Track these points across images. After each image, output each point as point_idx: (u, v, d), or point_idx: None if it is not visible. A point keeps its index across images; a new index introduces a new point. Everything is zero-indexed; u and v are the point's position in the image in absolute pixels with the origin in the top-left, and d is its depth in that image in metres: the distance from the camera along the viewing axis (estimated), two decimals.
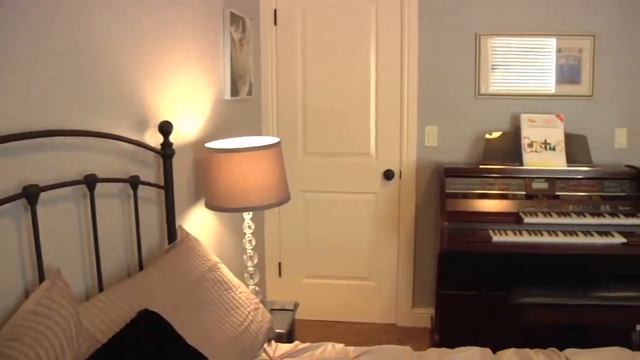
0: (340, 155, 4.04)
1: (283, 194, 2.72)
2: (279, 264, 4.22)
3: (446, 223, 3.28)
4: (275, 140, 2.75)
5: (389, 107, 3.96)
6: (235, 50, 3.25)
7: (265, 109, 4.01)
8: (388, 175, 3.99)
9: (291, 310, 3.04)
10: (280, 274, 4.22)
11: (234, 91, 3.26)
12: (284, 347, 2.41)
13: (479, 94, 3.92)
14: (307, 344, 2.42)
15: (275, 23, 3.94)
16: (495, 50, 3.88)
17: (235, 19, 3.23)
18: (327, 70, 3.96)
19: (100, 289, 1.93)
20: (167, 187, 2.40)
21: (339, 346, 2.42)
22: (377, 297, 4.20)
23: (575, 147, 3.75)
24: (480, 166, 3.71)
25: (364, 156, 4.03)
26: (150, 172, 2.35)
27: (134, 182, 2.14)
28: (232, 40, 3.20)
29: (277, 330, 2.68)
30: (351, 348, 2.42)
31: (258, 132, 3.94)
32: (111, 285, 1.92)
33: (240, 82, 3.37)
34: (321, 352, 2.36)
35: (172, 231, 2.44)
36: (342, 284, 4.20)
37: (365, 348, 2.40)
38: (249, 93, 3.59)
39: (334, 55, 3.94)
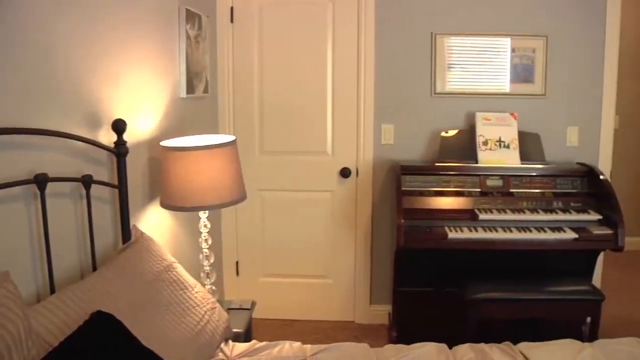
0: (297, 154, 4.04)
1: (239, 193, 2.70)
2: (237, 263, 4.19)
3: (402, 220, 3.31)
4: (231, 138, 2.73)
5: (345, 105, 3.98)
6: (191, 47, 3.21)
7: (221, 107, 3.98)
8: (345, 173, 4.01)
9: (248, 309, 3.02)
10: (237, 273, 4.20)
11: (190, 89, 3.23)
12: (241, 347, 2.39)
13: (435, 93, 3.96)
14: (264, 343, 2.42)
15: (232, 20, 3.91)
16: (451, 50, 3.93)
17: (191, 16, 3.20)
18: (284, 68, 3.95)
19: (52, 291, 1.89)
20: (121, 186, 2.36)
21: (296, 344, 2.42)
22: (334, 294, 4.21)
23: (529, 145, 3.83)
24: (436, 164, 3.76)
25: (321, 154, 4.04)
26: (104, 171, 2.32)
27: (87, 182, 2.10)
28: (188, 37, 3.16)
29: (235, 330, 2.66)
30: (308, 346, 2.42)
31: (214, 130, 3.91)
32: (63, 287, 1.88)
33: (196, 79, 3.33)
34: (278, 351, 2.35)
35: (126, 231, 2.41)
36: (299, 282, 4.20)
37: (322, 346, 2.41)
38: (205, 91, 3.56)
39: (291, 53, 3.94)
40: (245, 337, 2.80)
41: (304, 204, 4.09)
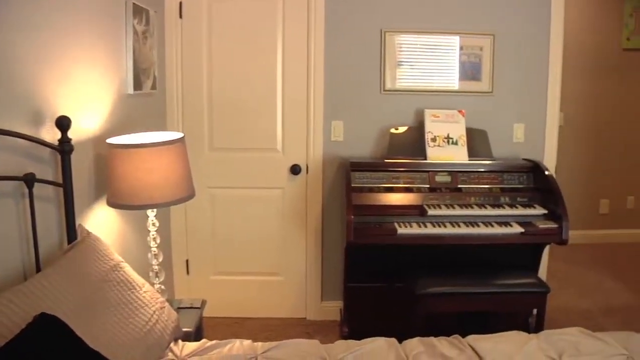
0: (247, 151, 4.01)
1: (187, 190, 2.67)
2: (187, 261, 4.14)
3: (352, 216, 3.32)
4: (179, 135, 2.70)
5: (295, 102, 3.97)
6: (138, 42, 3.16)
7: (170, 104, 3.92)
8: (295, 170, 4.00)
9: (199, 308, 2.99)
10: (188, 272, 4.15)
11: (137, 85, 3.17)
12: (191, 346, 2.37)
13: (385, 90, 3.99)
14: (214, 342, 2.40)
15: (180, 16, 3.85)
16: (401, 47, 3.96)
17: (138, 11, 3.14)
18: (233, 65, 3.92)
19: None
20: (66, 184, 2.31)
21: (247, 342, 2.41)
22: (286, 292, 4.21)
23: (477, 141, 3.89)
24: (386, 160, 3.79)
25: (271, 151, 4.02)
26: (48, 170, 2.26)
27: (29, 180, 2.04)
28: (135, 32, 3.11)
29: (184, 329, 2.63)
30: (259, 344, 2.41)
31: (163, 127, 3.85)
32: (5, 289, 1.82)
33: (143, 75, 3.28)
34: (229, 350, 2.34)
35: (71, 231, 2.35)
36: (250, 280, 4.18)
37: (273, 343, 2.40)
38: (153, 87, 3.50)
39: (240, 50, 3.91)
40: (196, 336, 2.77)
41: (254, 201, 4.07)
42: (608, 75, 5.99)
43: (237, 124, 3.98)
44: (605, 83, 6.00)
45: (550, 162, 4.10)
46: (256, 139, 4.00)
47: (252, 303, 4.19)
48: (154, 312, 2.26)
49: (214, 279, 4.17)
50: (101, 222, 2.75)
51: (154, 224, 2.80)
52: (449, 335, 2.53)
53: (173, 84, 3.90)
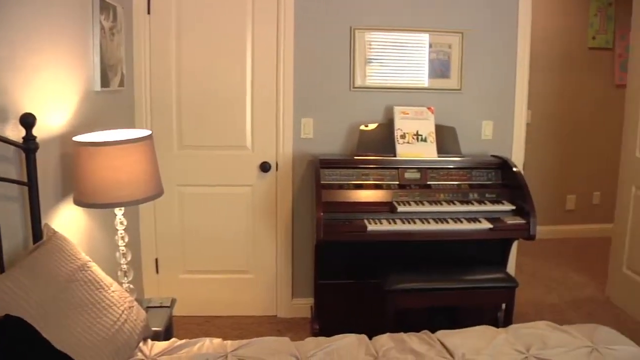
0: (216, 148, 3.99)
1: (156, 188, 2.65)
2: (156, 260, 4.11)
3: (322, 214, 3.32)
4: (147, 132, 2.67)
5: (264, 99, 3.96)
6: (105, 39, 3.12)
7: (138, 101, 3.88)
8: (264, 167, 3.99)
9: (168, 307, 2.97)
10: (157, 271, 4.12)
11: (105, 82, 3.13)
12: (161, 345, 2.35)
13: (354, 87, 4.00)
14: (184, 341, 2.38)
15: (148, 12, 3.81)
16: (371, 44, 3.97)
17: (105, 7, 3.10)
18: (202, 62, 3.89)
19: None
20: (31, 183, 2.27)
21: (217, 341, 2.40)
22: (256, 289, 4.20)
23: (446, 138, 3.92)
24: (355, 157, 3.80)
25: (240, 149, 4.00)
26: (12, 168, 2.21)
27: None
28: (102, 28, 3.06)
29: (154, 329, 2.61)
30: (229, 342, 2.40)
31: (131, 125, 3.80)
32: None
33: (111, 72, 3.24)
34: (198, 348, 2.33)
35: (37, 230, 2.31)
36: (221, 278, 4.16)
37: (243, 341, 2.39)
38: (121, 84, 3.46)
39: (209, 47, 3.88)
40: (166, 335, 2.75)
41: (223, 198, 4.05)
42: (574, 73, 6.09)
43: (207, 122, 3.95)
44: (571, 81, 6.10)
45: (518, 159, 4.16)
46: (225, 136, 3.98)
47: (223, 301, 4.17)
48: (123, 311, 2.23)
49: (183, 277, 4.14)
50: (68, 221, 2.72)
51: (122, 223, 2.77)
52: (419, 331, 2.55)
53: (141, 81, 3.86)
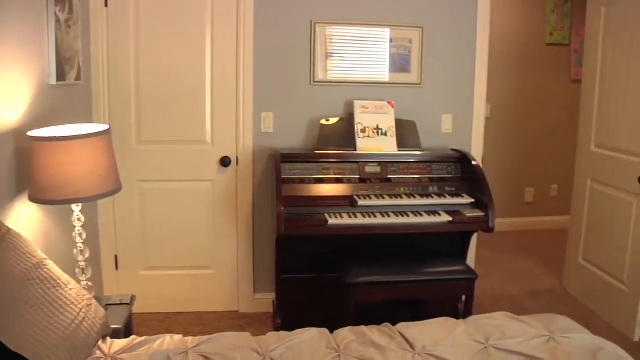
0: (176, 143, 3.94)
1: (114, 184, 2.61)
2: (115, 256, 4.05)
3: (283, 208, 3.31)
4: (104, 127, 2.63)
5: (224, 94, 3.93)
6: (61, 31, 3.05)
7: (96, 95, 3.81)
8: (225, 162, 3.97)
9: (128, 304, 2.93)
10: (117, 267, 4.06)
11: (60, 75, 3.06)
12: (120, 343, 2.32)
13: (315, 81, 3.99)
14: (144, 338, 2.36)
15: (106, 4, 3.74)
16: (331, 39, 3.97)
17: None
18: (161, 55, 3.84)
19: None
20: None
21: (177, 337, 2.38)
22: (218, 285, 4.17)
23: (406, 132, 3.95)
24: (316, 152, 3.80)
25: (200, 143, 3.97)
26: None
27: None
28: (58, 21, 2.99)
29: (113, 326, 2.57)
30: (190, 338, 2.38)
31: (88, 119, 3.74)
32: None
33: (67, 66, 3.17)
34: (159, 345, 2.30)
35: None
36: (182, 274, 4.12)
37: (204, 337, 2.38)
38: (78, 78, 3.39)
39: (168, 40, 3.83)
40: (126, 333, 2.72)
41: (184, 194, 4.01)
42: (532, 69, 6.19)
43: (166, 116, 3.90)
44: (529, 76, 6.20)
45: (477, 153, 4.21)
46: (185, 131, 3.94)
47: (184, 297, 4.14)
48: (81, 309, 2.20)
49: (144, 274, 4.09)
50: (23, 218, 2.66)
51: (79, 219, 2.72)
52: (381, 324, 2.57)
53: (99, 75, 3.79)
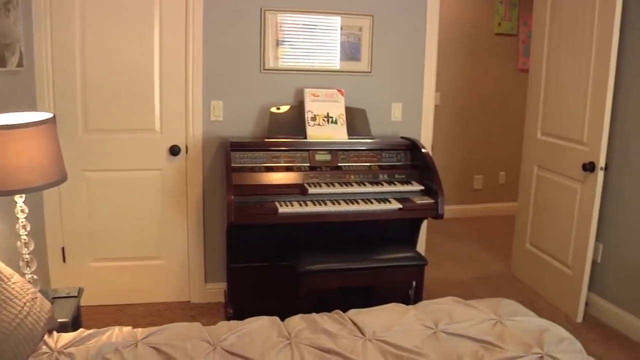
0: (124, 132, 3.86)
1: (58, 174, 2.55)
2: (62, 248, 3.96)
3: (233, 197, 3.29)
4: (48, 115, 2.56)
5: (173, 82, 3.87)
6: (0, 15, 2.95)
7: (39, 82, 3.69)
8: (174, 150, 3.91)
9: (75, 296, 2.87)
10: (64, 260, 3.97)
11: (1, 62, 2.97)
12: (67, 337, 2.28)
13: (265, 69, 3.97)
14: (92, 331, 2.32)
15: None
16: (282, 26, 3.94)
17: None
18: (108, 42, 3.74)
19: None
20: None
21: (126, 329, 2.35)
22: (168, 275, 4.13)
23: (356, 120, 3.96)
24: (266, 140, 3.78)
25: (149, 132, 3.90)
26: None
27: None
28: None
29: (60, 320, 2.52)
30: (139, 330, 2.35)
31: (32, 107, 3.62)
32: None
33: (7, 52, 3.07)
34: (107, 337, 2.27)
35: None
36: (132, 265, 4.06)
37: (154, 328, 2.35)
38: (20, 64, 3.28)
39: (116, 26, 3.73)
40: (74, 326, 2.66)
41: (132, 183, 3.94)
42: (481, 58, 6.29)
43: (113, 104, 3.82)
44: (478, 65, 6.30)
45: (426, 140, 4.26)
46: (133, 119, 3.86)
47: (134, 289, 4.08)
48: (25, 303, 2.14)
49: (93, 265, 4.01)
50: None
51: (22, 211, 2.65)
52: (330, 311, 2.59)
53: (43, 61, 3.67)
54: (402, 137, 4.06)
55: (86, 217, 3.94)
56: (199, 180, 4.02)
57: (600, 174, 3.74)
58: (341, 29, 4.04)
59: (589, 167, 3.77)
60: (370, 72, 4.13)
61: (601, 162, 3.72)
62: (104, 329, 2.34)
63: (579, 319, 3.92)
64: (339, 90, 3.93)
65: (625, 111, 3.70)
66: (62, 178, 2.59)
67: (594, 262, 3.91)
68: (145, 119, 3.88)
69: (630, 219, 3.72)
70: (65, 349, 2.18)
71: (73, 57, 3.72)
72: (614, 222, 3.83)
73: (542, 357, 2.19)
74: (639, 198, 3.65)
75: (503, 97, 6.40)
